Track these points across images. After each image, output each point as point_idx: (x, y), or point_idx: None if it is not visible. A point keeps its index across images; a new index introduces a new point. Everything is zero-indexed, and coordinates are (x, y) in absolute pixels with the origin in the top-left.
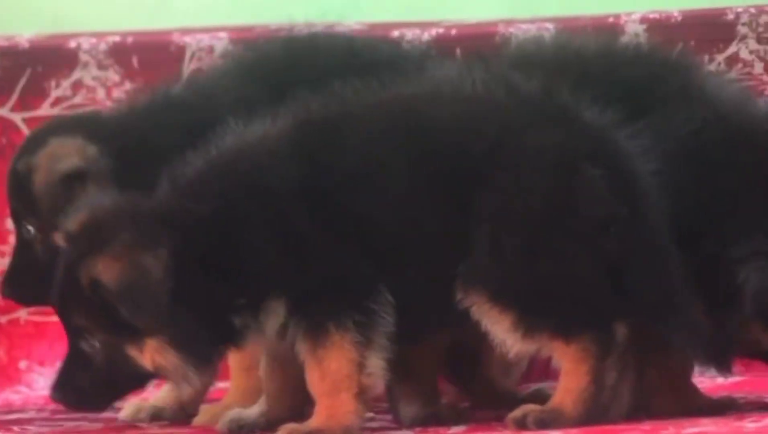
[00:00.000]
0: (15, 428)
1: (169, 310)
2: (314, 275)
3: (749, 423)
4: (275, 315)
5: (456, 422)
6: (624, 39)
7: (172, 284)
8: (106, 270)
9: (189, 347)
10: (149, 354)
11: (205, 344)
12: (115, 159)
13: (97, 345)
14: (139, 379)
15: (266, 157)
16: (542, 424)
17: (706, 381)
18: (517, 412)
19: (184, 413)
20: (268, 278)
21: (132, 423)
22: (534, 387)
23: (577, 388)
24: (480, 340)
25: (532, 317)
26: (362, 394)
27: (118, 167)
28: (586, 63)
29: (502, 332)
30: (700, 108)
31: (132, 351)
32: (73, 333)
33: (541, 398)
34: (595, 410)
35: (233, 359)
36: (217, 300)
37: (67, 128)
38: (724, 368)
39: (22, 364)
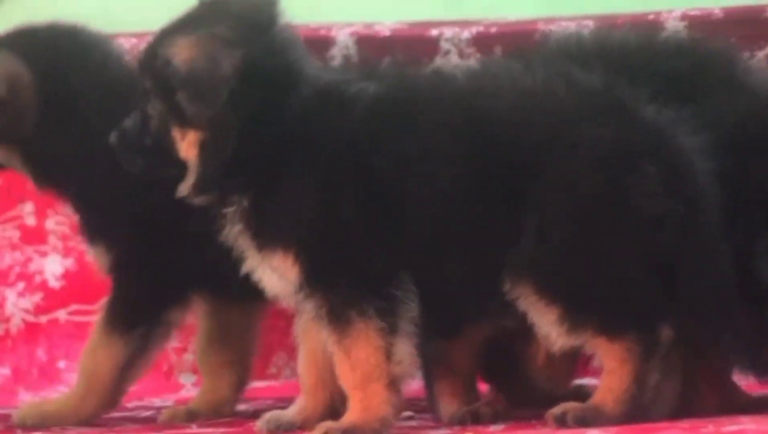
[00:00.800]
0: (55, 428)
1: (222, 112)
2: (335, 253)
3: None
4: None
5: (495, 420)
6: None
7: (236, 87)
8: (180, 52)
9: (215, 164)
10: (186, 144)
11: (224, 181)
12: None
13: (155, 110)
14: (172, 165)
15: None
16: (582, 422)
17: (747, 378)
18: (557, 409)
19: (219, 415)
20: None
21: (171, 424)
22: (575, 383)
23: (619, 388)
24: (520, 337)
25: (578, 312)
26: (394, 384)
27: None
28: (628, 56)
29: (547, 325)
30: (744, 100)
31: (176, 133)
32: (142, 92)
33: (581, 395)
34: (635, 410)
35: (202, 361)
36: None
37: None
38: (763, 371)
39: (61, 364)
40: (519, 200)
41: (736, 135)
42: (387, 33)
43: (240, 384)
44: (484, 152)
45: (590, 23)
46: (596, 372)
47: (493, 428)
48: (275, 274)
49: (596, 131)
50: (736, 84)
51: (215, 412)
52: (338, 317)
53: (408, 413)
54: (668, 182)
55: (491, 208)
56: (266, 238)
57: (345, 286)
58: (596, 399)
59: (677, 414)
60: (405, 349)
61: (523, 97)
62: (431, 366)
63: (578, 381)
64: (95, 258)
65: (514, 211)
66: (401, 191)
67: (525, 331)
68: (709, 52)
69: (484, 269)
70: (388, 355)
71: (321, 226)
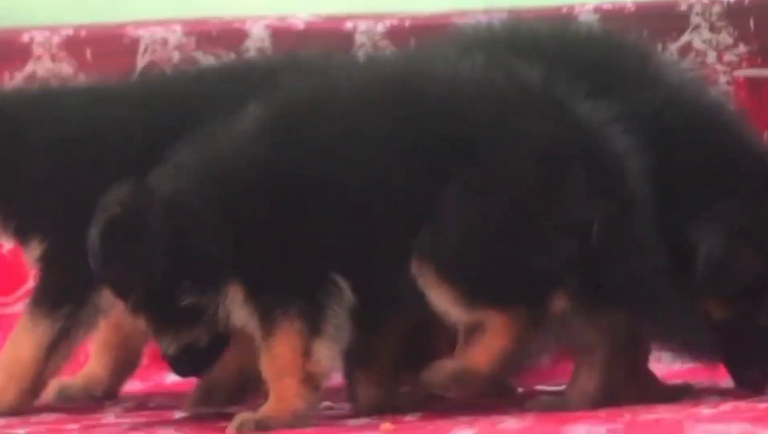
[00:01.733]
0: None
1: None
2: (266, 262)
3: (705, 409)
4: (234, 301)
5: (413, 410)
6: None
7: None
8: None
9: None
10: None
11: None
12: None
13: None
14: None
15: (234, 139)
16: (456, 383)
17: (662, 367)
18: (431, 371)
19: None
20: (226, 263)
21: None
22: None
23: (497, 347)
24: (438, 327)
25: (474, 293)
26: (309, 380)
27: None
28: (539, 46)
29: (445, 304)
30: (658, 91)
31: None
32: None
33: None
34: (505, 372)
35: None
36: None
37: None
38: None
39: None
40: (441, 186)
41: (654, 125)
42: (301, 26)
43: (123, 368)
44: (413, 136)
45: (505, 17)
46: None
47: (410, 417)
48: None
49: (527, 126)
50: (649, 76)
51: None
52: (265, 316)
53: (326, 403)
54: (597, 183)
55: (414, 193)
56: None
57: (273, 290)
58: (468, 355)
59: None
60: (325, 351)
61: (458, 85)
62: (350, 356)
63: None
64: (26, 251)
65: (433, 199)
66: (318, 185)
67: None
68: (621, 43)
69: (401, 257)
70: (306, 354)
71: (245, 233)
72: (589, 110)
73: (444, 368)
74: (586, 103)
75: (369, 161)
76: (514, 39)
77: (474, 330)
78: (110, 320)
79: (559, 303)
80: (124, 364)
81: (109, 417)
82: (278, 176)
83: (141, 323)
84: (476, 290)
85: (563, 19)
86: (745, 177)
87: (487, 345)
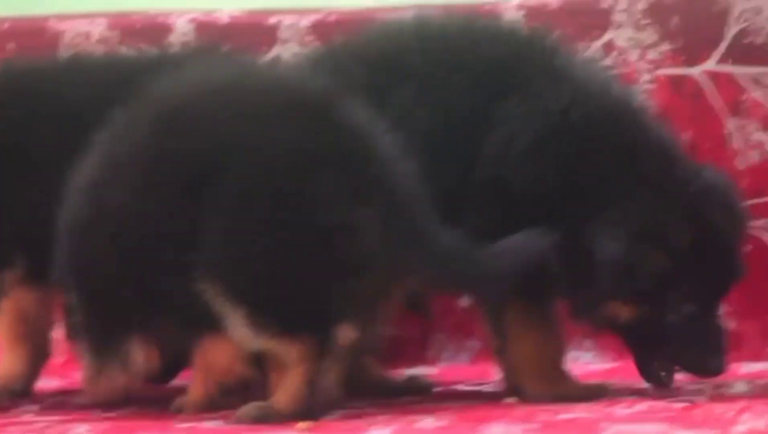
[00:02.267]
0: None
1: None
2: None
3: (621, 409)
4: None
5: (330, 410)
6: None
7: None
8: None
9: None
10: None
11: None
12: None
13: None
14: None
15: None
16: (259, 419)
17: (579, 367)
18: (242, 408)
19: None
20: None
21: None
22: (408, 373)
23: (292, 387)
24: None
25: (260, 313)
26: None
27: None
28: (447, 42)
29: (236, 326)
30: (565, 88)
31: None
32: None
33: (415, 385)
34: (308, 409)
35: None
36: None
37: None
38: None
39: None
40: (199, 201)
41: (560, 122)
42: (226, 20)
43: (38, 358)
44: (165, 149)
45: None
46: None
47: (327, 416)
48: None
49: (281, 134)
50: (556, 72)
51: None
52: None
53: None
54: (353, 189)
55: (172, 213)
56: None
57: None
58: (274, 398)
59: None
60: None
61: (206, 94)
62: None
63: (413, 371)
64: None
65: (198, 214)
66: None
67: None
68: (528, 40)
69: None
70: None
71: None
72: (360, 115)
73: (252, 408)
74: (358, 108)
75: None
76: (423, 35)
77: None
78: (12, 311)
79: (348, 333)
80: (39, 354)
81: (27, 415)
82: None
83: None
84: (261, 312)
85: (473, 15)
86: (646, 176)
87: (285, 386)
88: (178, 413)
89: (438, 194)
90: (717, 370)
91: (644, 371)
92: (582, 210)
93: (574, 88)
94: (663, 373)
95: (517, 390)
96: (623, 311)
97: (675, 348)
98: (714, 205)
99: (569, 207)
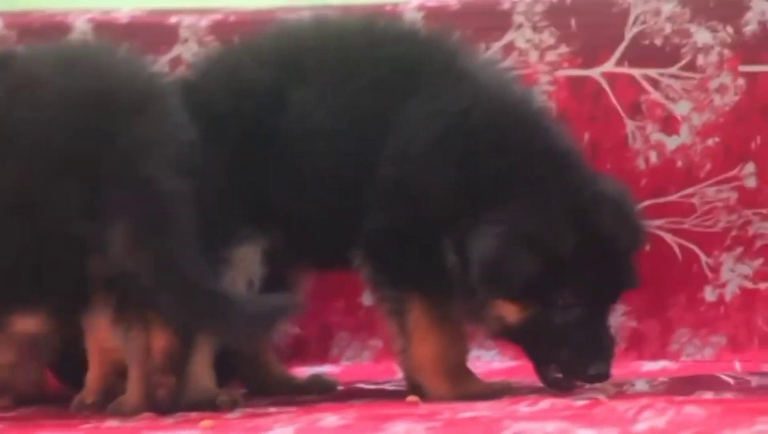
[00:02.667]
0: None
1: None
2: None
3: (524, 407)
4: None
5: (232, 408)
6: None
7: None
8: None
9: None
10: None
11: None
12: None
13: None
14: None
15: None
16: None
17: (482, 365)
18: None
19: None
20: None
21: None
22: (311, 371)
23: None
24: None
25: None
26: None
27: None
28: (347, 42)
29: None
30: (465, 87)
31: None
32: None
33: (318, 384)
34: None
35: None
36: None
37: None
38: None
39: None
40: None
41: (459, 126)
42: (125, 20)
43: None
44: None
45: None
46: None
47: (231, 414)
48: None
49: (18, 135)
50: (456, 74)
51: None
52: None
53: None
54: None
55: None
56: None
57: None
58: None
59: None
60: None
61: None
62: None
63: (316, 370)
64: None
65: None
66: None
67: None
68: (428, 41)
69: None
70: None
71: None
72: (140, 130)
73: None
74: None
75: None
76: (323, 35)
77: None
78: None
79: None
80: None
81: None
82: None
83: None
84: None
85: (373, 16)
86: (537, 179)
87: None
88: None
89: (339, 194)
90: (597, 377)
91: (540, 375)
92: (477, 212)
93: (474, 91)
94: (560, 376)
95: (419, 389)
96: (509, 312)
97: (560, 351)
98: (604, 213)
99: (465, 209)
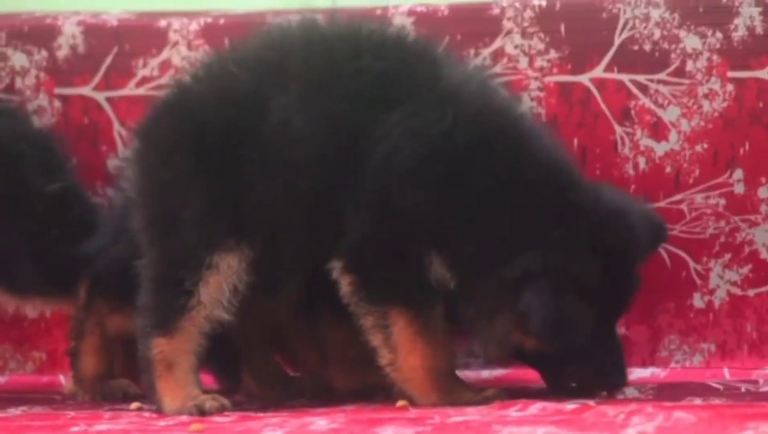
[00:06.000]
0: None
1: None
2: None
3: (514, 412)
4: None
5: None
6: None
7: None
8: None
9: None
10: None
11: None
12: None
13: None
14: None
15: None
16: None
17: (471, 374)
18: None
19: None
20: None
21: None
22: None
23: None
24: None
25: None
26: None
27: None
28: (331, 50)
29: None
30: (448, 105)
31: None
32: None
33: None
34: None
35: None
36: None
37: None
38: None
39: None
40: None
41: (443, 145)
42: (114, 23)
43: None
44: None
45: (320, 17)
46: None
47: (221, 418)
48: None
49: None
50: (441, 86)
51: None
52: None
53: (137, 404)
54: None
55: None
56: None
57: None
58: None
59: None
60: None
61: None
62: (152, 364)
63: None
64: None
65: None
66: None
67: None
68: (414, 49)
69: None
70: None
71: None
72: None
73: None
74: None
75: None
76: (307, 41)
77: None
78: None
79: None
80: None
81: None
82: None
83: None
84: None
85: (359, 22)
86: (543, 204)
87: None
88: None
89: (316, 202)
90: (618, 385)
91: (554, 388)
92: (467, 235)
93: (459, 108)
94: (573, 385)
95: (409, 400)
96: (528, 342)
97: (581, 370)
98: (617, 230)
99: (453, 226)
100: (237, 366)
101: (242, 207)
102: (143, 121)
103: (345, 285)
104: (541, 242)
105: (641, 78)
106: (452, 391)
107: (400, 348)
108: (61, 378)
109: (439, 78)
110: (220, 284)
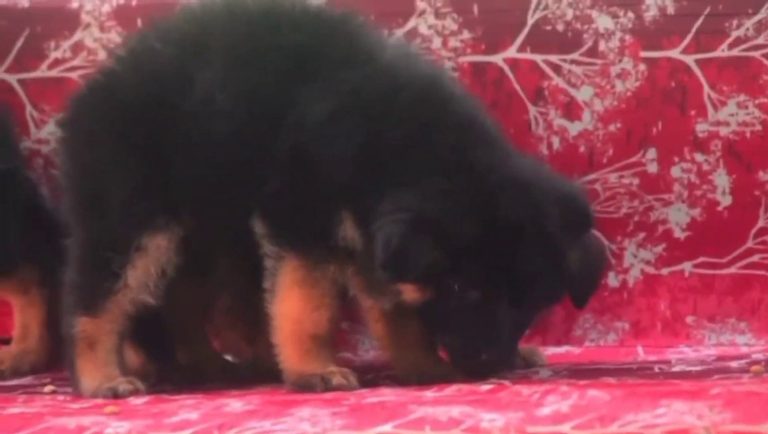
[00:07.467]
0: None
1: None
2: None
3: (429, 392)
4: None
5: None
6: None
7: None
8: None
9: None
10: None
11: None
12: None
13: None
14: None
15: None
16: None
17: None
18: None
19: None
20: None
21: None
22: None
23: None
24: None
25: None
26: None
27: None
28: (252, 25)
29: None
30: (363, 66)
31: None
32: None
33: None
34: None
35: None
36: None
37: None
38: None
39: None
40: None
41: (356, 98)
42: (26, 4)
43: None
44: None
45: None
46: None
47: (136, 400)
48: None
49: None
50: (357, 55)
51: None
52: None
53: (50, 387)
54: None
55: None
56: None
57: None
58: None
59: None
60: None
61: None
62: (74, 342)
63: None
64: None
65: None
66: None
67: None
68: (333, 24)
69: None
70: None
71: None
72: None
73: None
74: None
75: None
76: (229, 17)
77: None
78: None
79: None
80: None
81: None
82: None
83: None
84: None
85: None
86: (442, 159)
87: None
88: None
89: (239, 175)
90: (489, 363)
91: (455, 363)
92: (379, 188)
93: (372, 68)
94: (474, 365)
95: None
96: (408, 292)
97: (454, 336)
98: (510, 199)
99: (366, 182)
100: (171, 346)
101: (170, 185)
102: (67, 105)
103: (258, 230)
104: (425, 191)
105: (554, 58)
106: (313, 358)
107: (277, 292)
108: None
109: (356, 49)
110: (148, 268)
